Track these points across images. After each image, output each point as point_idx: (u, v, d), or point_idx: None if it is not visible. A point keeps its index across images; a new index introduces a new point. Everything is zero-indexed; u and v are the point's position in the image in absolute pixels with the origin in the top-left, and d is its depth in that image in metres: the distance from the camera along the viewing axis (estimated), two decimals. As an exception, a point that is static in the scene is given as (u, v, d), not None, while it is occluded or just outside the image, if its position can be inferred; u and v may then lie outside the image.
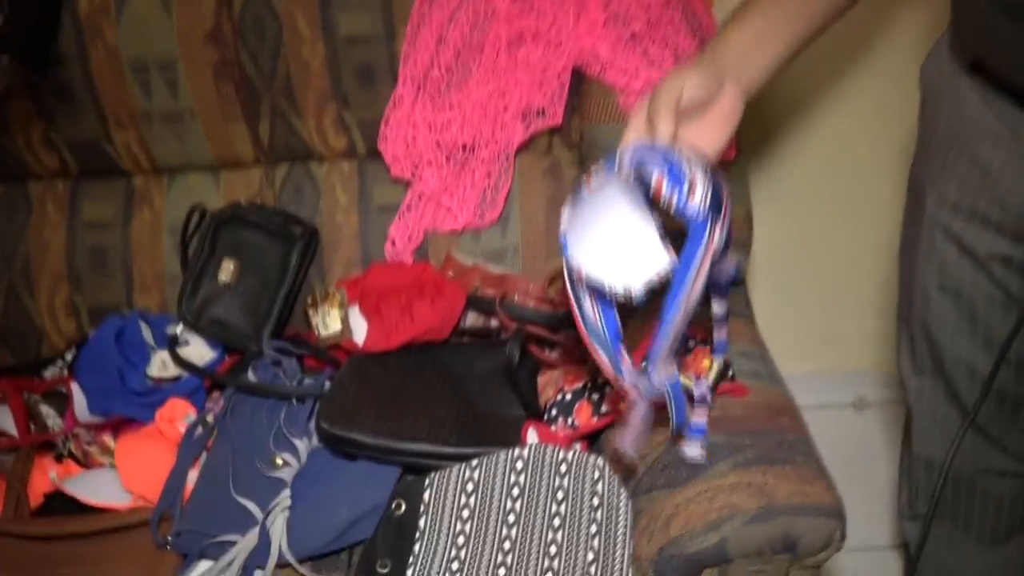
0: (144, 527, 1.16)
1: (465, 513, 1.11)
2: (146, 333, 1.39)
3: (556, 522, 1.08)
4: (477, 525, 1.10)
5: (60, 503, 1.24)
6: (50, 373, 1.44)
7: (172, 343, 1.37)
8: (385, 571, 1.09)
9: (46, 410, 1.36)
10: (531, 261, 1.43)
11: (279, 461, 1.21)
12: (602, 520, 1.07)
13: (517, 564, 1.06)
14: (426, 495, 1.13)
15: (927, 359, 1.18)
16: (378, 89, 1.40)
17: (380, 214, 1.45)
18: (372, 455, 1.19)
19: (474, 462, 1.14)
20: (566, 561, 1.06)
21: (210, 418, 1.28)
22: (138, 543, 1.16)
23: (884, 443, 1.96)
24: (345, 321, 1.33)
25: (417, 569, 1.08)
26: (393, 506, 1.13)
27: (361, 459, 1.19)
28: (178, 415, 1.28)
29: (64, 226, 1.47)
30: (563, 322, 1.35)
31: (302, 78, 1.40)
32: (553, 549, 1.07)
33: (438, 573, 1.08)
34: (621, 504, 1.08)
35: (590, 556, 1.06)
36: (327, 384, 1.31)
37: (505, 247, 1.43)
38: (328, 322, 1.34)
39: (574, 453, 1.12)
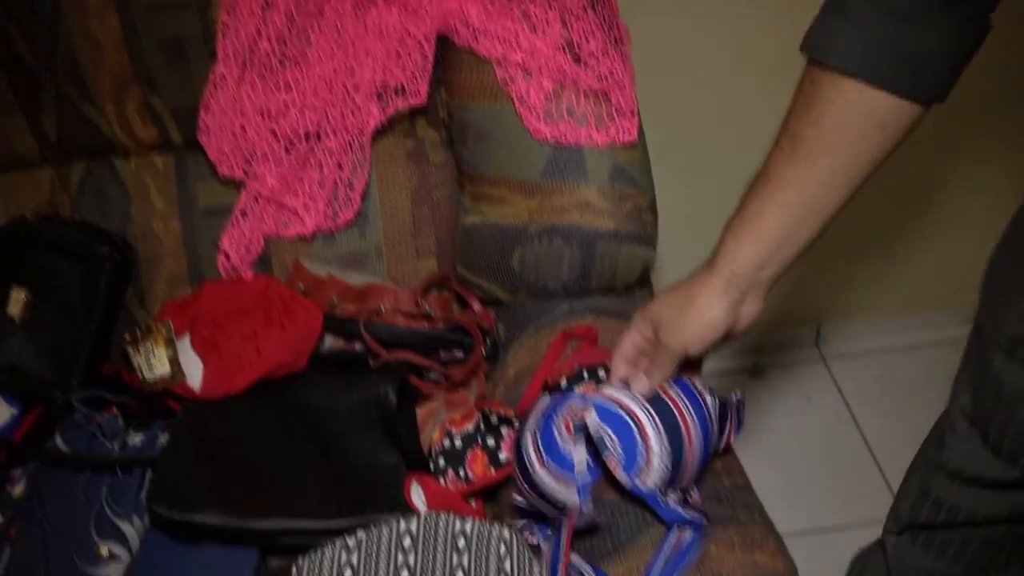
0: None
1: None
2: (-84, 391, 1.11)
3: None
4: None
5: None
6: None
7: (-47, 400, 1.10)
8: None
9: None
10: (397, 265, 1.21)
11: (104, 552, 0.98)
12: None
13: None
14: None
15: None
16: (192, 67, 1.13)
17: (208, 218, 1.19)
18: (223, 539, 0.96)
19: (350, 541, 0.93)
20: None
21: (15, 496, 1.02)
22: None
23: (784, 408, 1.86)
24: (174, 361, 1.08)
25: None
26: None
27: (207, 542, 0.97)
28: (-32, 501, 1.02)
29: None
30: (442, 341, 1.14)
31: (91, 57, 1.11)
32: None
33: None
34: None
35: None
36: (161, 437, 1.07)
37: (365, 250, 1.20)
38: (153, 364, 1.09)
39: (473, 524, 0.92)
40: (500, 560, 0.90)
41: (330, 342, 1.16)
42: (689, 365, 0.92)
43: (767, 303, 0.89)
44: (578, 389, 0.96)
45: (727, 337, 0.89)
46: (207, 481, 0.98)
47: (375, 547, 0.92)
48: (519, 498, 0.96)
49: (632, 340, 0.92)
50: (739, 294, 0.86)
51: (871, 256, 1.83)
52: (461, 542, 0.92)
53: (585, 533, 0.93)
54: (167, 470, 0.99)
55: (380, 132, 1.17)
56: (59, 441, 1.05)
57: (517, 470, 0.93)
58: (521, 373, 1.11)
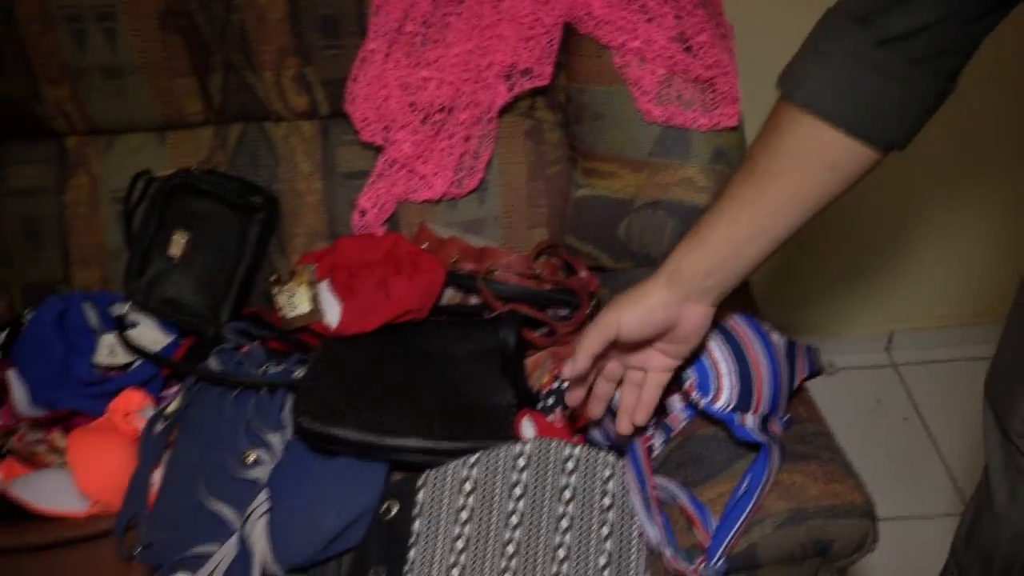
0: (106, 537, 1.04)
1: (464, 515, 1.02)
2: (90, 315, 1.25)
3: (564, 523, 1.00)
4: (478, 528, 1.01)
5: (5, 509, 1.10)
6: (-21, 359, 1.30)
7: (120, 325, 1.24)
8: None
9: (-23, 402, 1.23)
10: (512, 232, 1.34)
11: (251, 458, 1.11)
12: (615, 521, 1.00)
13: (523, 569, 0.98)
14: (420, 495, 1.04)
15: None
16: (345, 43, 1.27)
17: (346, 181, 1.33)
18: (357, 452, 1.09)
19: (471, 459, 1.05)
20: (576, 565, 0.98)
21: (170, 410, 1.16)
22: (100, 555, 1.05)
23: (854, 407, 1.94)
24: (315, 301, 1.22)
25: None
26: (384, 508, 1.04)
27: (343, 456, 1.10)
28: (134, 408, 1.16)
29: (-11, 194, 1.32)
30: (551, 300, 1.26)
31: (258, 30, 1.26)
32: (562, 552, 0.99)
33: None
34: (630, 498, 1.01)
35: (602, 560, 0.98)
36: (297, 371, 1.20)
37: (484, 217, 1.33)
38: (296, 302, 1.23)
39: (581, 449, 1.04)
40: (604, 482, 1.02)
41: (449, 295, 1.29)
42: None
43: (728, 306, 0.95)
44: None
45: (672, 339, 0.95)
46: (345, 401, 1.10)
47: (493, 465, 1.04)
48: (596, 432, 1.08)
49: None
50: (681, 293, 0.90)
51: (943, 264, 1.91)
52: (570, 464, 1.03)
53: (678, 466, 1.04)
54: (310, 388, 1.11)
55: (504, 111, 1.30)
56: (213, 362, 1.19)
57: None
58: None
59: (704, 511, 0.97)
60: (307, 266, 1.23)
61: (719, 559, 0.93)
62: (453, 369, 1.20)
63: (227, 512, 1.05)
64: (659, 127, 1.22)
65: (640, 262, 1.27)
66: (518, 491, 1.03)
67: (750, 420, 0.99)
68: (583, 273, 1.30)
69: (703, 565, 0.93)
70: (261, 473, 1.09)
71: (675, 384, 1.02)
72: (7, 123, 1.32)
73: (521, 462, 1.04)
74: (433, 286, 1.23)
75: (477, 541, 1.01)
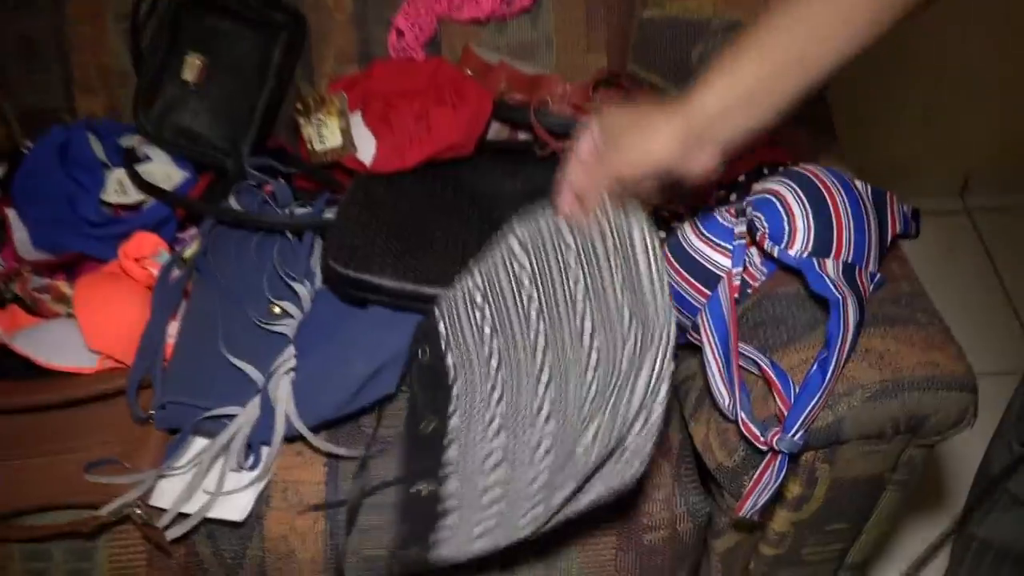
0: (119, 396, 0.95)
1: (487, 329, 0.92)
2: (96, 147, 1.12)
3: (579, 294, 0.86)
4: (502, 330, 0.91)
5: (10, 361, 1.01)
6: (-23, 193, 1.18)
7: (129, 159, 1.11)
8: (431, 428, 0.91)
9: (-23, 242, 1.12)
10: (567, 57, 1.18)
11: (277, 310, 1.00)
12: (613, 247, 0.84)
13: (551, 330, 0.88)
14: (440, 327, 0.94)
15: None
16: None
17: (381, -4, 1.17)
18: (392, 302, 0.98)
19: (474, 270, 0.94)
20: (596, 302, 0.85)
21: (187, 255, 1.05)
22: (113, 415, 0.96)
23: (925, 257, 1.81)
24: (346, 133, 1.08)
25: (461, 413, 0.91)
26: (420, 353, 0.94)
27: (375, 306, 0.98)
28: (146, 252, 1.04)
29: (-22, 9, 1.17)
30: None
31: None
32: (580, 306, 0.86)
33: (482, 405, 0.91)
34: (632, 221, 0.83)
35: (626, 312, 0.82)
36: (327, 212, 1.07)
37: (536, 40, 1.17)
38: (324, 134, 1.09)
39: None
40: (602, 235, 0.85)
41: (496, 130, 1.15)
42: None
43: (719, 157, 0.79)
44: (756, 185, 0.94)
45: (676, 185, 0.82)
46: (381, 244, 0.98)
47: (494, 265, 0.93)
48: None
49: (586, 143, 0.85)
50: (693, 138, 0.77)
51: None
52: (563, 226, 0.88)
53: (755, 326, 0.92)
54: (343, 230, 0.99)
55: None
56: (233, 201, 1.07)
57: (669, 255, 0.93)
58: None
59: (786, 378, 0.85)
60: (337, 93, 1.09)
61: (797, 431, 0.82)
62: (500, 210, 1.07)
63: (250, 370, 0.95)
64: (746, -67, 1.04)
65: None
66: (525, 280, 0.91)
67: (831, 266, 0.86)
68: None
69: (777, 437, 0.82)
70: (288, 328, 0.98)
71: (745, 230, 0.90)
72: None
73: (517, 248, 0.91)
74: (479, 118, 1.09)
75: (506, 345, 0.91)
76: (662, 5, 1.11)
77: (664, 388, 0.77)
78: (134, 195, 1.10)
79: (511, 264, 0.91)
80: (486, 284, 0.92)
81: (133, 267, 1.03)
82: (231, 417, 0.93)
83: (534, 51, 1.17)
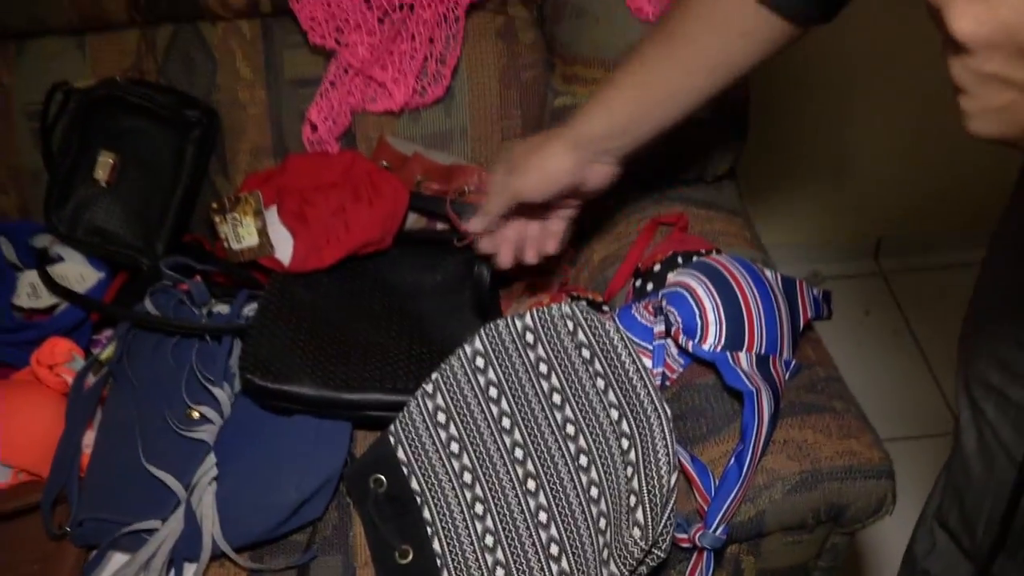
0: (34, 512, 0.92)
1: (454, 446, 0.91)
2: (7, 250, 1.10)
3: (556, 398, 0.89)
4: (473, 450, 0.90)
5: (-85, 476, 0.98)
6: None
7: (42, 260, 1.10)
8: (408, 559, 0.89)
9: None
10: (482, 145, 1.19)
11: (196, 415, 0.98)
12: (603, 369, 0.87)
13: (541, 463, 0.88)
14: (400, 453, 0.93)
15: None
16: (286, -72, 1.10)
17: (294, 89, 1.17)
18: (314, 410, 0.97)
19: (428, 387, 0.94)
20: (590, 432, 0.87)
21: (103, 358, 1.03)
22: (27, 531, 0.93)
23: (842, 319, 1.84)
24: (263, 233, 1.08)
25: (442, 535, 0.89)
26: (373, 484, 0.92)
27: (299, 413, 0.98)
28: (60, 359, 1.02)
29: None
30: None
31: (184, -85, 1.08)
32: (570, 428, 0.88)
33: (465, 525, 0.89)
34: (614, 341, 0.88)
35: (614, 413, 0.86)
36: (246, 309, 1.07)
37: (450, 130, 1.18)
38: (241, 234, 1.08)
39: (532, 315, 0.92)
40: (571, 334, 0.90)
41: (412, 220, 1.15)
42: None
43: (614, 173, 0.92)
44: (671, 275, 0.96)
45: (576, 195, 0.94)
46: (299, 352, 0.98)
47: (453, 379, 0.93)
48: None
49: (495, 176, 0.95)
50: (585, 157, 0.89)
51: (934, 169, 1.79)
52: (529, 336, 0.91)
53: (675, 419, 0.93)
54: (259, 339, 0.98)
55: (471, 7, 1.14)
56: (149, 304, 1.05)
57: None
58: (607, 259, 1.10)
59: (706, 473, 0.87)
60: (252, 193, 1.08)
61: (718, 526, 0.83)
62: (418, 302, 1.08)
63: (171, 481, 0.93)
64: (651, 26, 1.07)
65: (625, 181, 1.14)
66: (492, 392, 0.91)
67: (744, 359, 0.88)
68: (564, 193, 1.16)
69: (699, 533, 0.83)
70: (207, 433, 0.96)
71: (663, 329, 0.92)
72: None
73: (480, 361, 0.92)
74: (396, 213, 1.10)
75: (480, 463, 0.90)
76: (574, 94, 1.13)
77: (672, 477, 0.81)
78: (47, 299, 1.08)
79: (474, 376, 0.91)
80: (448, 401, 0.92)
81: (46, 374, 1.01)
82: (152, 531, 0.91)
83: (449, 140, 1.18)
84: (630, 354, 0.88)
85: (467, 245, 1.09)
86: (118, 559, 0.91)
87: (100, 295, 1.09)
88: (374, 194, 1.09)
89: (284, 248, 1.08)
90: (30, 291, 1.08)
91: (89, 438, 0.98)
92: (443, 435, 0.92)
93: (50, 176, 1.12)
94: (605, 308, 1.03)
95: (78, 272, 1.10)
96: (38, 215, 1.16)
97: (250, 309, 1.07)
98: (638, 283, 1.01)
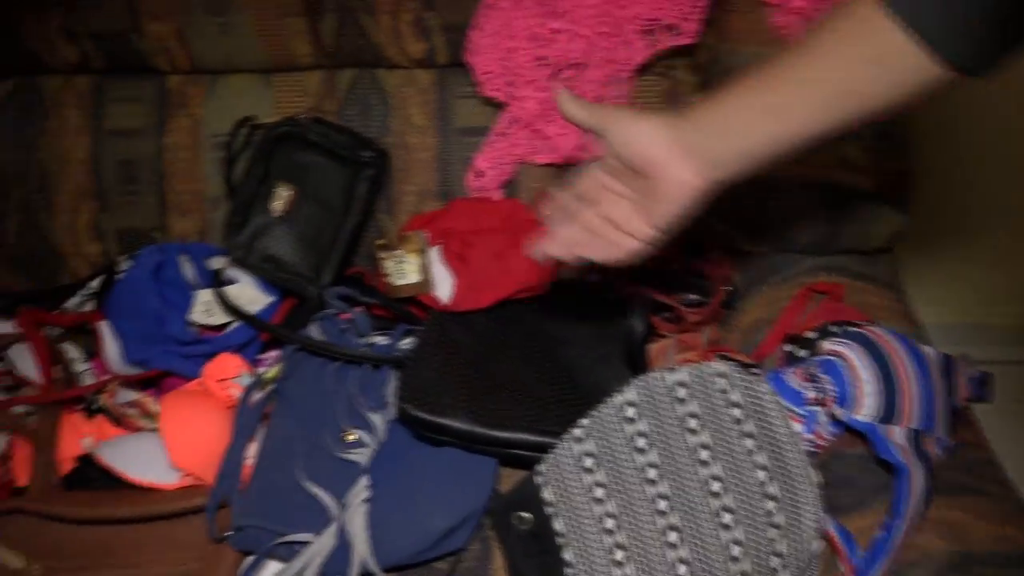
0: (197, 514, 0.98)
1: (599, 492, 0.93)
2: (186, 269, 1.18)
3: (704, 455, 0.90)
4: (619, 498, 0.92)
5: (91, 471, 1.05)
6: (72, 304, 1.24)
7: (217, 281, 1.17)
8: None
9: (70, 349, 1.17)
10: (639, 202, 1.22)
11: (351, 437, 1.03)
12: (755, 431, 0.89)
13: (685, 517, 0.90)
14: (546, 493, 0.95)
15: None
16: (469, -13, 1.16)
17: (462, 138, 1.22)
18: (463, 443, 1.01)
19: (577, 432, 0.95)
20: (737, 490, 0.88)
21: (268, 377, 1.09)
22: (190, 532, 0.99)
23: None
24: (425, 270, 1.13)
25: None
26: (516, 521, 0.95)
27: (448, 445, 1.01)
28: (229, 374, 1.09)
29: (87, 133, 1.24)
30: (681, 282, 1.15)
31: (378, -31, 1.15)
32: (716, 485, 0.89)
33: (605, 570, 0.91)
34: (767, 403, 0.90)
35: (761, 475, 0.88)
36: (403, 342, 1.11)
37: (610, 185, 1.21)
38: (405, 270, 1.14)
39: (686, 371, 0.93)
40: (723, 392, 0.91)
41: (566, 271, 1.18)
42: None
43: None
44: (824, 343, 0.96)
45: (646, 192, 0.84)
46: (453, 386, 1.02)
47: (603, 428, 0.95)
48: None
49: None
50: (682, 145, 0.80)
51: None
52: (681, 391, 0.93)
53: (823, 487, 0.93)
54: (416, 371, 1.03)
55: (639, 70, 1.18)
56: (314, 330, 1.11)
57: None
58: (758, 322, 1.11)
59: (851, 542, 0.87)
60: (418, 233, 1.14)
61: None
62: (569, 350, 1.10)
63: (325, 498, 0.97)
64: (817, 98, 1.08)
65: (781, 246, 1.15)
66: (641, 442, 0.93)
67: (898, 434, 0.88)
68: (715, 254, 1.18)
69: None
70: (361, 456, 1.01)
71: (815, 396, 0.92)
72: (106, 59, 1.24)
73: (631, 411, 0.94)
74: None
75: (625, 511, 0.92)
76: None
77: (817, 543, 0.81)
78: (220, 317, 1.15)
79: (624, 425, 0.94)
80: (597, 447, 0.94)
81: (216, 387, 1.08)
82: (305, 544, 0.95)
83: (607, 195, 1.21)
84: (781, 418, 0.89)
85: (621, 298, 1.12)
86: (272, 567, 0.96)
87: (269, 318, 1.16)
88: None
89: (444, 287, 1.13)
90: (205, 309, 1.15)
91: (251, 451, 1.03)
92: (588, 480, 0.94)
93: (231, 204, 1.19)
94: (756, 371, 1.04)
95: (250, 295, 1.17)
96: (215, 238, 1.24)
97: (406, 343, 1.12)
98: (789, 348, 1.02)
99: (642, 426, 0.94)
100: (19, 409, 1.09)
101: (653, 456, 0.92)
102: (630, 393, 0.95)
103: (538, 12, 1.13)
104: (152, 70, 1.25)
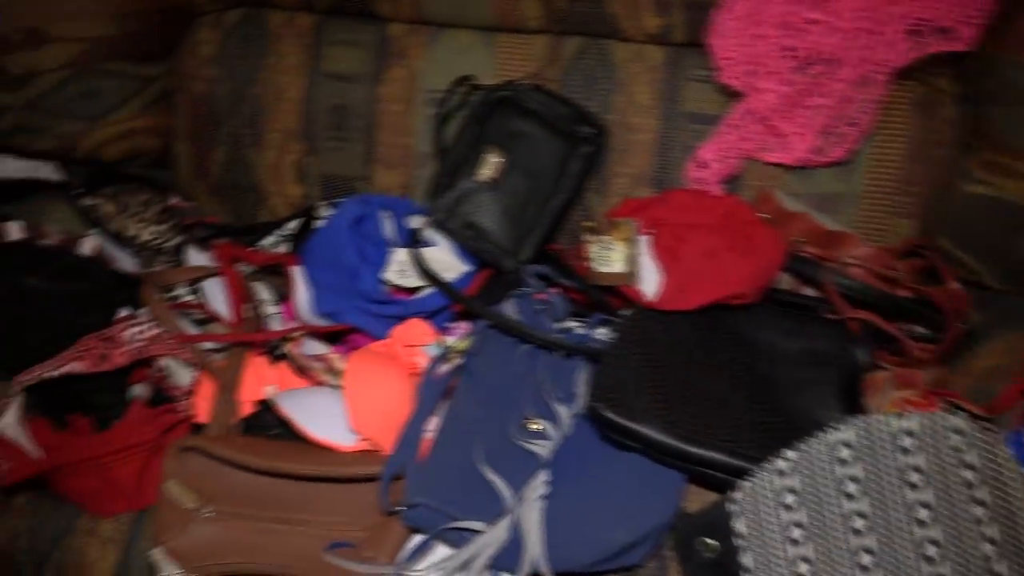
0: (370, 482, 0.95)
1: (796, 533, 0.86)
2: (386, 226, 1.15)
3: (923, 514, 0.82)
4: (818, 543, 0.85)
5: (271, 416, 1.04)
6: (267, 243, 1.23)
7: (414, 241, 1.13)
8: None
9: (261, 289, 1.16)
10: (873, 218, 1.12)
11: (534, 427, 0.98)
12: (988, 500, 0.80)
13: (888, 573, 0.82)
14: (738, 524, 0.88)
15: None
16: (721, -37, 1.07)
17: (688, 123, 1.15)
18: (652, 453, 0.94)
19: (782, 464, 0.88)
20: (956, 559, 0.80)
21: (456, 350, 1.05)
22: (360, 498, 0.97)
23: None
24: (631, 261, 1.06)
25: None
26: (700, 546, 0.88)
27: (634, 452, 0.95)
28: (419, 340, 1.05)
29: (303, 73, 1.22)
30: (909, 311, 1.05)
31: (625, -66, 1.08)
32: (932, 550, 0.81)
33: None
34: (1006, 470, 0.81)
35: (987, 549, 0.79)
36: (598, 332, 1.05)
37: (842, 194, 1.12)
38: (610, 257, 1.07)
39: (917, 418, 0.84)
40: (958, 451, 0.82)
41: (779, 279, 1.10)
42: None
43: None
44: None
45: None
46: (649, 392, 0.95)
47: (811, 465, 0.87)
48: None
49: None
50: None
51: None
52: (907, 440, 0.84)
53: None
54: (612, 369, 0.97)
55: (896, 73, 1.07)
56: (508, 308, 1.06)
57: None
58: (996, 370, 1.00)
59: None
60: (629, 221, 1.07)
61: None
62: (776, 369, 1.02)
63: (503, 487, 0.93)
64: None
65: (1035, 290, 1.03)
66: (851, 488, 0.85)
67: None
68: (953, 285, 1.07)
69: None
70: (543, 448, 0.96)
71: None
72: (331, -1, 1.21)
73: (844, 453, 0.86)
74: (769, 269, 1.05)
75: (823, 559, 0.85)
76: (994, 184, 1.03)
77: None
78: (414, 280, 1.11)
79: (836, 467, 0.86)
80: (802, 485, 0.87)
81: (403, 352, 1.04)
82: (476, 532, 0.91)
83: (839, 205, 1.12)
84: (1020, 489, 0.79)
85: (841, 322, 1.03)
86: (439, 551, 0.92)
87: (463, 287, 1.12)
88: (750, 245, 1.04)
89: (648, 281, 1.06)
90: (400, 269, 1.12)
91: (431, 424, 1.00)
92: (787, 518, 0.86)
93: (439, 164, 1.15)
94: (991, 427, 0.93)
95: (446, 260, 1.13)
96: (417, 196, 1.21)
97: (601, 333, 1.06)
98: None
99: (855, 470, 0.85)
100: (206, 345, 1.08)
101: (863, 505, 0.84)
102: (847, 432, 0.86)
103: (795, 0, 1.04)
104: (375, 16, 1.21)
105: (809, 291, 1.09)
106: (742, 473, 0.90)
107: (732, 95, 1.11)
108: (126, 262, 1.18)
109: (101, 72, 1.20)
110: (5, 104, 1.19)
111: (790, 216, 1.10)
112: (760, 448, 0.92)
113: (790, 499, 0.87)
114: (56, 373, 1.00)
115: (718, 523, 0.89)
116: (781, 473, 0.88)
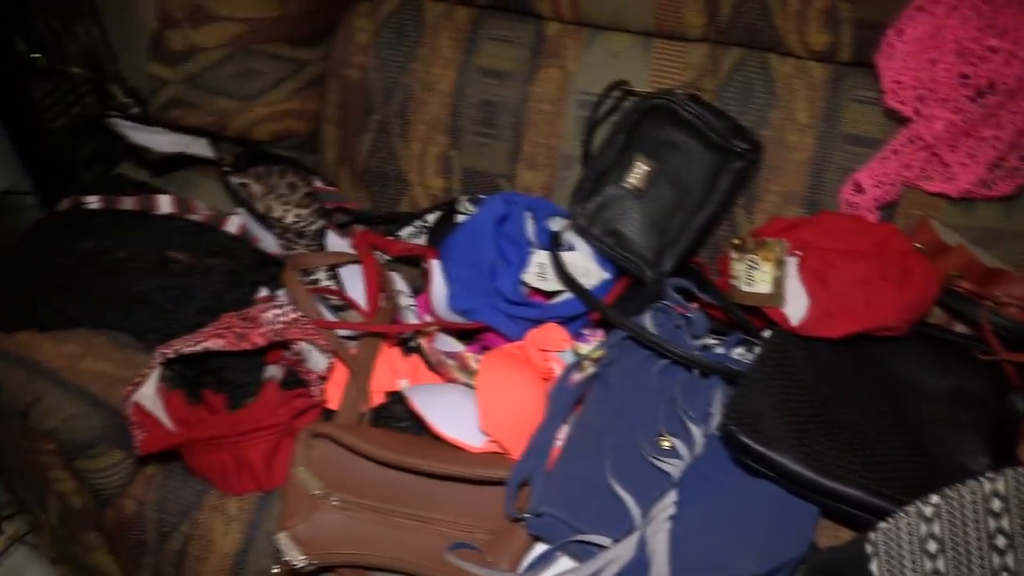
0: (496, 485, 0.95)
1: None
2: (528, 226, 1.14)
3: None
4: None
5: (400, 408, 1.04)
6: (405, 234, 1.24)
7: (554, 244, 1.12)
8: None
9: (397, 280, 1.17)
10: (1026, 254, 1.07)
11: (667, 444, 0.96)
12: None
13: None
14: (874, 566, 0.85)
15: None
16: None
17: (846, 145, 1.11)
18: (785, 483, 0.91)
19: (927, 509, 0.84)
20: None
21: (590, 359, 1.04)
22: (486, 501, 0.96)
23: None
24: (778, 283, 1.03)
25: None
26: None
27: (767, 479, 0.93)
28: (554, 345, 1.05)
29: (456, 67, 1.22)
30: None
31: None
32: None
33: None
34: None
35: None
36: (737, 351, 1.03)
37: (1005, 230, 1.07)
38: (755, 277, 1.04)
39: None
40: None
41: (933, 314, 1.06)
42: None
43: None
44: None
45: None
46: (787, 420, 0.93)
47: (959, 514, 0.83)
48: None
49: None
50: None
51: None
52: None
53: None
54: (751, 392, 0.95)
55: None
56: (647, 320, 1.05)
57: None
58: None
59: None
60: (780, 241, 1.04)
61: None
62: (918, 405, 0.98)
63: (631, 504, 0.92)
64: None
65: None
66: (1000, 542, 0.81)
67: None
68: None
69: None
70: (674, 467, 0.94)
71: None
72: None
73: (996, 504, 0.82)
74: (923, 303, 1.01)
75: None
76: None
77: None
78: (552, 284, 1.11)
79: (985, 518, 0.82)
80: (947, 533, 0.83)
81: (537, 357, 1.04)
82: (600, 547, 0.90)
83: (1001, 242, 1.07)
84: None
85: (996, 363, 0.99)
86: (563, 562, 0.92)
87: (602, 295, 1.11)
88: (904, 276, 1.01)
89: (794, 305, 1.03)
90: (539, 271, 1.11)
91: (562, 433, 0.99)
92: (928, 566, 0.83)
93: (586, 167, 1.14)
94: None
95: (586, 266, 1.12)
96: (558, 198, 1.20)
97: (739, 353, 1.04)
98: None
99: (1006, 523, 0.81)
100: (342, 332, 1.09)
101: (1012, 561, 0.80)
102: (1000, 483, 0.82)
103: (975, 24, 0.99)
104: (533, 14, 1.21)
105: (961, 328, 1.05)
106: (879, 512, 0.87)
107: (896, 120, 1.07)
108: (268, 242, 1.20)
109: (259, 53, 1.22)
110: (164, 78, 1.22)
111: (947, 248, 1.06)
112: (900, 488, 0.89)
113: (933, 546, 0.83)
114: (196, 348, 1.01)
115: (854, 563, 0.86)
116: (926, 519, 0.84)
